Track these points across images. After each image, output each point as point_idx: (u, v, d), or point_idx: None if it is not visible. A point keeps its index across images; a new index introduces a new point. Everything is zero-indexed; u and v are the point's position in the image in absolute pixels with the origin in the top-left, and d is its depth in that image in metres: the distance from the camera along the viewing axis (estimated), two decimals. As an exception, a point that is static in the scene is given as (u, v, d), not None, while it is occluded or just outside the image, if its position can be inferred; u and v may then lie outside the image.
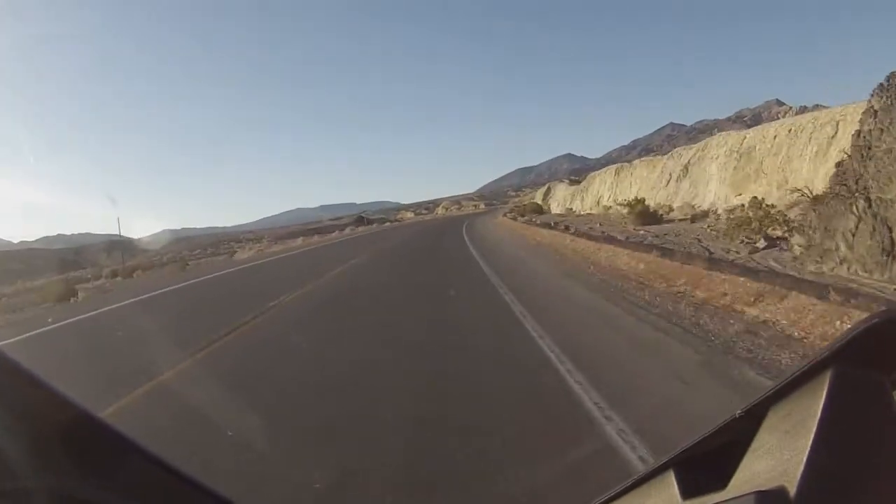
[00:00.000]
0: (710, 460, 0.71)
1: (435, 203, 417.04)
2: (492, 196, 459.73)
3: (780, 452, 0.61)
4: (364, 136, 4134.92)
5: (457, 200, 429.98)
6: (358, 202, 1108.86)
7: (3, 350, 0.57)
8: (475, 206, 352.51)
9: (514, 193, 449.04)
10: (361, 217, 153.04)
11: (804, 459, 0.55)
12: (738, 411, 0.69)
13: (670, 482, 0.73)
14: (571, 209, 50.60)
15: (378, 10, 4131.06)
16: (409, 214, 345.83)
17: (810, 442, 0.56)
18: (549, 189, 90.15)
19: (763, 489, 0.56)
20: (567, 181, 65.05)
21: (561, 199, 60.77)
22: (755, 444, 0.67)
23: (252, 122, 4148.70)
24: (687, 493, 0.70)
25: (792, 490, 0.54)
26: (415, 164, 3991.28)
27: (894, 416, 0.58)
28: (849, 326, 0.61)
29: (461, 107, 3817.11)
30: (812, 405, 0.60)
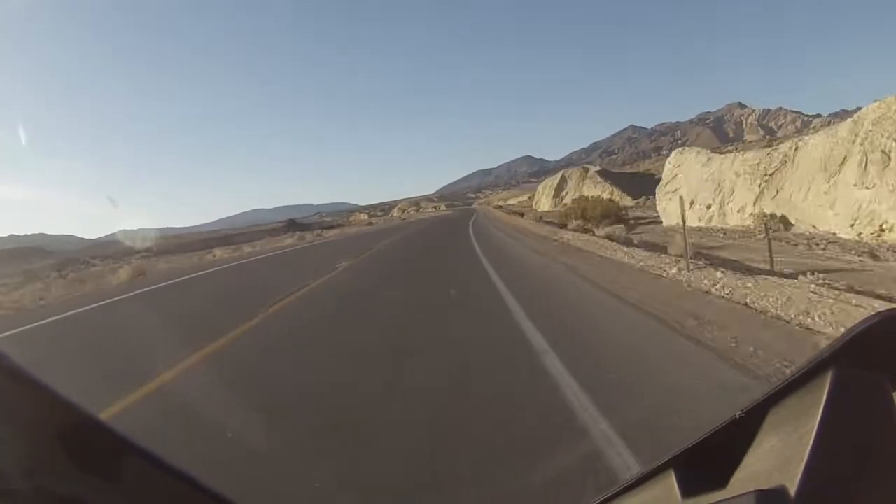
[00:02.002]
0: (710, 460, 0.69)
1: (391, 205, 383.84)
2: (452, 197, 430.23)
3: (781, 452, 0.59)
4: (322, 137, 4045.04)
5: (415, 201, 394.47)
6: (315, 203, 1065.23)
7: (2, 351, 0.57)
8: (435, 207, 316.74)
9: (473, 195, 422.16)
10: (293, 221, 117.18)
11: (804, 459, 0.54)
12: (739, 412, 0.67)
13: (670, 482, 0.71)
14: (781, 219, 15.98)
15: (334, 4, 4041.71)
16: (363, 216, 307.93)
17: (811, 442, 0.55)
18: (562, 180, 58.08)
19: (763, 488, 0.55)
20: (704, 150, 23.39)
21: (700, 194, 21.85)
22: (756, 444, 0.65)
23: (210, 122, 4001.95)
24: (687, 492, 0.68)
25: (792, 489, 0.53)
26: (373, 166, 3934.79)
27: (894, 417, 0.57)
28: (849, 327, 0.60)
29: (420, 109, 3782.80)
30: (812, 406, 0.58)
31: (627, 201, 45.15)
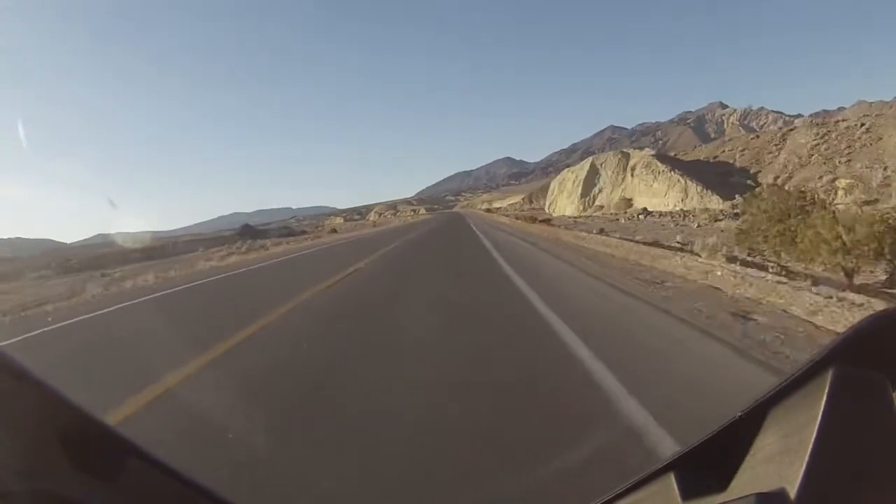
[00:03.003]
0: (710, 462, 0.68)
1: (370, 208, 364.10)
2: (431, 200, 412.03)
3: (781, 454, 0.59)
4: (303, 142, 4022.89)
5: (392, 205, 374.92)
6: (294, 207, 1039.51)
7: (4, 351, 0.56)
8: (414, 211, 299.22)
9: (453, 198, 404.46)
10: (248, 228, 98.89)
11: (805, 461, 0.54)
12: (739, 413, 0.67)
13: (671, 484, 0.70)
14: None
15: (314, 5, 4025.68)
16: (339, 220, 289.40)
17: (811, 443, 0.55)
18: (592, 172, 42.03)
19: (764, 491, 0.54)
20: None
21: None
22: (756, 446, 0.64)
23: (192, 125, 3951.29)
24: (687, 494, 0.68)
25: (792, 491, 0.52)
26: (352, 171, 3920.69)
27: (894, 416, 0.56)
28: (848, 327, 0.60)
29: (398, 111, 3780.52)
30: (812, 406, 0.58)
31: (714, 203, 29.15)
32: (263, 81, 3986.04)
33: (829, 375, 0.58)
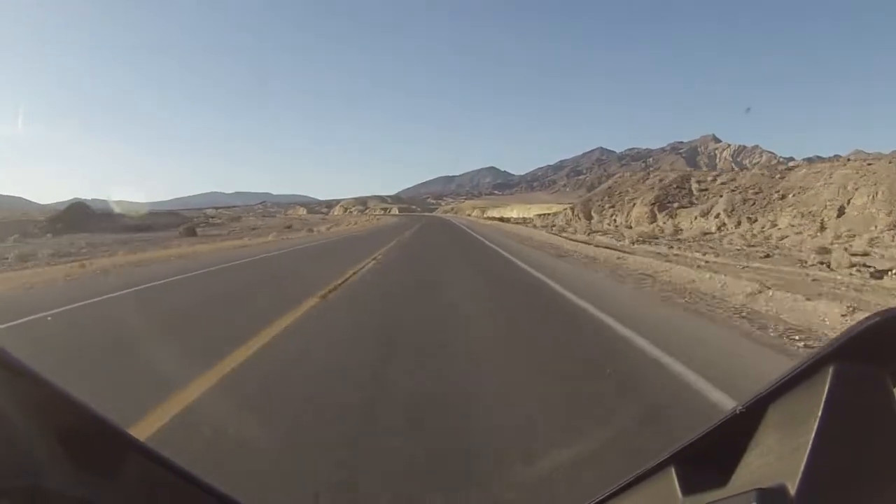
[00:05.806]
0: (710, 457, 0.67)
1: (338, 202, 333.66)
2: (410, 201, 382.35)
3: (781, 450, 0.59)
4: (286, 130, 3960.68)
5: (362, 200, 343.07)
6: (273, 192, 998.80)
7: (4, 348, 0.56)
8: (384, 210, 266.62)
9: (434, 201, 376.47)
10: (83, 207, 63.53)
11: (805, 457, 0.53)
12: (739, 408, 0.66)
13: (671, 479, 0.69)
14: None
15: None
16: (302, 211, 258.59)
17: (811, 439, 0.54)
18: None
19: (764, 487, 0.54)
20: None
21: None
22: (755, 442, 0.64)
23: (171, 99, 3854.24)
24: (687, 490, 0.67)
25: (792, 488, 0.52)
26: (333, 165, 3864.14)
27: (894, 414, 0.56)
28: (849, 325, 0.59)
29: (386, 112, 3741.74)
30: (812, 402, 0.58)
31: None
32: (263, 70, 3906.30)
33: (829, 372, 0.57)
